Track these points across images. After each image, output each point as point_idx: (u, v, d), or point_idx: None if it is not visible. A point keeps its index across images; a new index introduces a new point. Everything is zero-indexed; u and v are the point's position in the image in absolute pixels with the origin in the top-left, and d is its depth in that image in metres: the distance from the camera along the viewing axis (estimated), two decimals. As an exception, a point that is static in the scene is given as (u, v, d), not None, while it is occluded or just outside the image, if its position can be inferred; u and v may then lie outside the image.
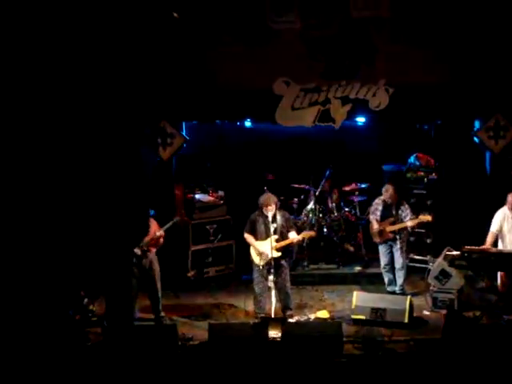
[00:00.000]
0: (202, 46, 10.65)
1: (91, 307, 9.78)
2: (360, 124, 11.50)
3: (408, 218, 10.40)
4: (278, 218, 9.70)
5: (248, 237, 9.81)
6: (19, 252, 8.83)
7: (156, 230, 9.80)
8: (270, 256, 9.51)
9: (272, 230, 9.56)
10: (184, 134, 11.14)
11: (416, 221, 10.37)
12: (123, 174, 9.01)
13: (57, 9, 9.49)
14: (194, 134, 11.59)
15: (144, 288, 9.88)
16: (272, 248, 9.49)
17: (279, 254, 9.63)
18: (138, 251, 9.56)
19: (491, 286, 10.18)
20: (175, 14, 10.19)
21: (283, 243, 9.69)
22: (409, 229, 10.50)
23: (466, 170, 11.68)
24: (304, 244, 11.34)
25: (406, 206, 10.56)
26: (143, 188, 9.88)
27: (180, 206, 11.62)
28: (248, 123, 11.62)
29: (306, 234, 10.32)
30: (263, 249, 9.61)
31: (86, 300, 9.64)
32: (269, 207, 9.58)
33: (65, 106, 9.65)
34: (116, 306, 8.65)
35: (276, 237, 9.60)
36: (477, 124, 10.92)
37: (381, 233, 10.50)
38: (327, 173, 11.89)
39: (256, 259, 9.73)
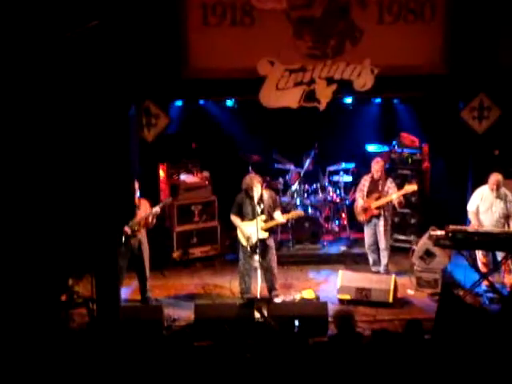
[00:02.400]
0: (186, 25, 10.56)
1: (76, 288, 9.78)
2: (347, 104, 11.48)
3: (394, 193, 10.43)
4: (265, 198, 9.70)
5: (235, 219, 9.80)
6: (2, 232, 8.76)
7: (147, 210, 9.78)
8: (257, 237, 9.52)
9: (259, 210, 9.57)
10: (169, 114, 11.09)
11: (402, 191, 10.38)
12: (109, 152, 8.92)
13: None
14: (178, 114, 11.55)
15: (132, 268, 9.88)
16: (260, 228, 9.50)
17: (267, 234, 9.64)
18: (127, 230, 9.55)
19: (475, 265, 10.27)
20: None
21: (271, 224, 9.70)
22: (397, 205, 10.51)
23: (451, 150, 11.73)
24: (289, 224, 11.36)
25: (392, 182, 10.59)
26: (129, 167, 9.82)
27: (164, 187, 11.60)
28: (230, 103, 11.53)
29: (294, 213, 10.34)
30: (250, 230, 9.62)
31: (71, 281, 9.63)
32: (254, 188, 9.57)
33: (43, 85, 9.49)
34: (102, 287, 8.61)
35: (264, 217, 9.60)
36: (461, 104, 10.93)
37: (366, 210, 10.53)
38: (312, 153, 11.90)
39: (243, 240, 9.74)
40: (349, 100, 11.32)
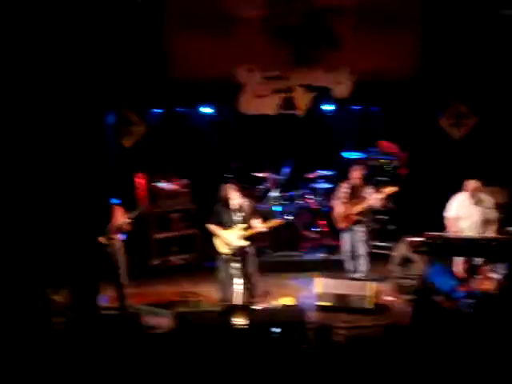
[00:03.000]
0: (164, 33, 10.56)
1: (54, 297, 9.69)
2: (326, 111, 11.51)
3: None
4: (245, 206, 9.69)
5: (212, 227, 9.75)
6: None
7: (121, 217, 9.73)
8: (237, 245, 9.51)
9: (239, 218, 9.55)
10: (146, 122, 11.06)
11: (382, 194, 10.41)
12: (85, 161, 8.89)
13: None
14: (157, 121, 11.52)
15: (109, 276, 9.81)
16: (240, 237, 9.49)
17: (247, 242, 9.63)
18: (102, 240, 9.49)
19: (452, 271, 10.30)
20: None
21: (252, 231, 9.70)
22: (378, 205, 10.53)
23: (428, 157, 11.80)
24: (268, 232, 11.35)
25: (371, 189, 10.63)
26: (105, 176, 9.79)
27: (143, 194, 11.54)
28: (209, 110, 11.50)
29: (274, 222, 10.32)
30: (230, 238, 9.60)
31: (48, 290, 9.54)
32: (230, 197, 9.56)
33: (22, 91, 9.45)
34: (80, 295, 8.56)
35: (243, 226, 9.59)
36: (439, 112, 11.01)
37: (346, 217, 10.55)
38: (290, 160, 11.91)
39: (222, 248, 9.71)
40: (330, 107, 11.34)
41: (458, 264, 10.07)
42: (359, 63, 10.46)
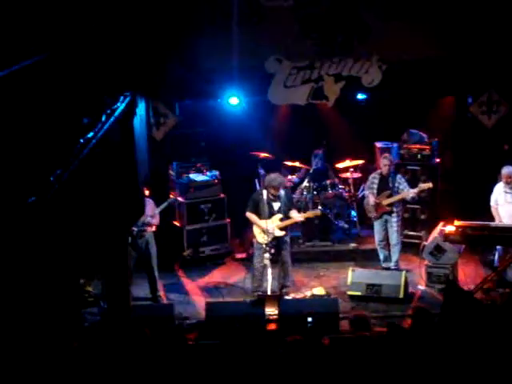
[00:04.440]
0: (193, 24, 10.58)
1: (87, 288, 9.83)
2: (359, 100, 11.46)
3: (405, 189, 10.41)
4: (282, 196, 9.72)
5: (251, 215, 9.80)
6: (11, 233, 8.79)
7: (152, 210, 9.83)
8: (274, 235, 9.56)
9: (276, 208, 9.60)
10: (177, 113, 11.11)
11: (417, 189, 10.38)
12: (116, 154, 8.95)
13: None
14: (187, 113, 11.56)
15: (141, 268, 9.92)
16: (277, 227, 9.54)
17: (283, 232, 9.67)
18: (134, 230, 9.60)
19: (486, 260, 10.26)
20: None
21: (288, 222, 9.73)
22: (409, 199, 10.49)
23: (460, 146, 11.70)
24: (299, 222, 11.36)
25: (402, 178, 10.60)
26: (137, 167, 9.85)
27: (174, 186, 11.64)
28: (235, 101, 11.47)
29: (312, 213, 10.32)
30: (268, 227, 9.62)
31: (82, 280, 9.68)
32: (276, 188, 9.59)
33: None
34: (113, 286, 8.66)
35: (280, 216, 9.63)
36: (470, 99, 10.90)
37: (377, 207, 10.53)
38: (321, 150, 11.91)
39: (259, 237, 9.74)
40: (362, 96, 11.27)
41: (497, 253, 10.00)
42: (389, 51, 10.37)
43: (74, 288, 9.28)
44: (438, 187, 11.51)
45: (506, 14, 10.08)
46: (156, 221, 9.97)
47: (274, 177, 9.74)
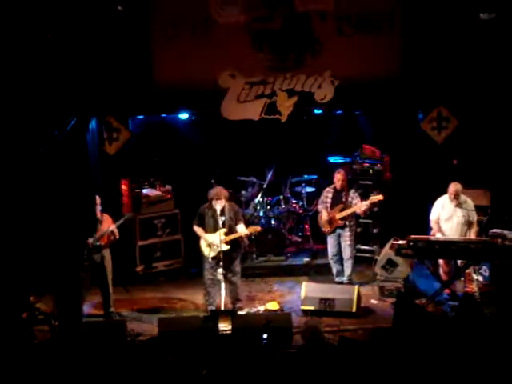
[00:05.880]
0: (145, 39, 10.55)
1: (37, 305, 9.66)
2: (310, 115, 11.53)
3: (359, 203, 10.50)
4: (227, 210, 9.71)
5: (197, 229, 9.80)
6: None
7: (109, 225, 9.73)
8: (219, 249, 9.52)
9: (220, 222, 9.56)
10: (130, 128, 11.05)
11: (368, 202, 10.46)
12: (69, 167, 8.85)
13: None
14: (140, 128, 11.51)
15: (95, 283, 9.80)
16: (221, 241, 9.50)
17: (228, 247, 9.64)
18: (90, 243, 9.49)
19: (436, 273, 10.36)
20: (120, 7, 10.06)
21: (232, 236, 9.71)
22: (361, 213, 10.58)
23: (411, 161, 11.87)
24: (252, 237, 11.37)
25: (355, 193, 10.69)
26: (90, 182, 9.76)
27: (128, 201, 11.54)
28: (185, 116, 11.46)
29: (252, 228, 10.31)
30: (212, 241, 9.62)
31: (32, 297, 9.51)
32: (219, 200, 9.58)
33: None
34: (64, 303, 8.52)
35: (225, 230, 9.60)
36: (420, 115, 11.07)
37: (330, 221, 10.58)
38: (273, 165, 11.95)
39: (205, 251, 9.73)
40: (315, 111, 11.34)
41: (442, 266, 10.14)
42: (341, 67, 10.48)
43: (24, 305, 9.13)
44: (390, 202, 11.64)
45: (456, 31, 10.29)
46: (114, 236, 9.86)
47: (212, 190, 9.78)
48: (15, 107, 8.82)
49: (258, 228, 10.41)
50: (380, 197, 10.48)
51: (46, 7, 9.43)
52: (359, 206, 10.44)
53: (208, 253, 9.69)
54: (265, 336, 8.39)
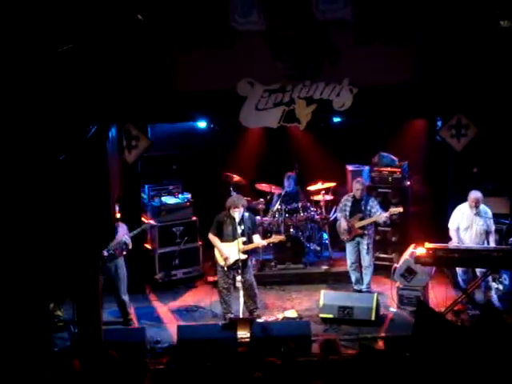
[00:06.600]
0: (165, 47, 10.61)
1: (57, 312, 9.72)
2: (329, 123, 11.52)
3: (378, 212, 10.48)
4: (246, 219, 9.73)
5: (213, 238, 9.81)
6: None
7: (124, 235, 9.78)
8: (236, 258, 9.54)
9: (239, 231, 9.58)
10: (149, 136, 11.11)
11: (387, 213, 10.46)
12: (88, 175, 8.90)
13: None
14: (159, 136, 11.56)
15: (110, 291, 9.85)
16: (239, 250, 9.51)
17: (246, 256, 9.66)
18: (104, 253, 9.54)
19: (455, 282, 10.33)
20: (139, 17, 10.12)
21: (251, 246, 9.75)
22: (381, 222, 10.57)
23: (430, 169, 11.82)
24: (271, 245, 11.36)
25: (375, 201, 10.68)
26: (108, 190, 9.81)
27: (146, 208, 11.59)
28: (202, 124, 11.51)
29: (276, 238, 10.32)
30: (229, 251, 9.63)
31: (51, 305, 9.56)
32: (237, 209, 9.61)
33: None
34: (84, 310, 8.58)
35: (244, 239, 9.62)
36: (439, 123, 11.04)
37: (349, 230, 10.58)
38: (292, 173, 11.95)
39: (221, 261, 9.74)
40: (337, 119, 11.32)
41: (461, 275, 10.10)
42: (359, 75, 10.48)
43: (44, 312, 9.19)
44: (409, 210, 11.61)
45: (476, 39, 10.25)
46: (129, 245, 9.92)
47: (230, 199, 9.79)
48: (36, 115, 8.89)
49: (282, 237, 10.42)
50: (400, 209, 10.48)
51: (67, 16, 9.51)
52: (380, 216, 10.44)
53: (224, 262, 9.70)
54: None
